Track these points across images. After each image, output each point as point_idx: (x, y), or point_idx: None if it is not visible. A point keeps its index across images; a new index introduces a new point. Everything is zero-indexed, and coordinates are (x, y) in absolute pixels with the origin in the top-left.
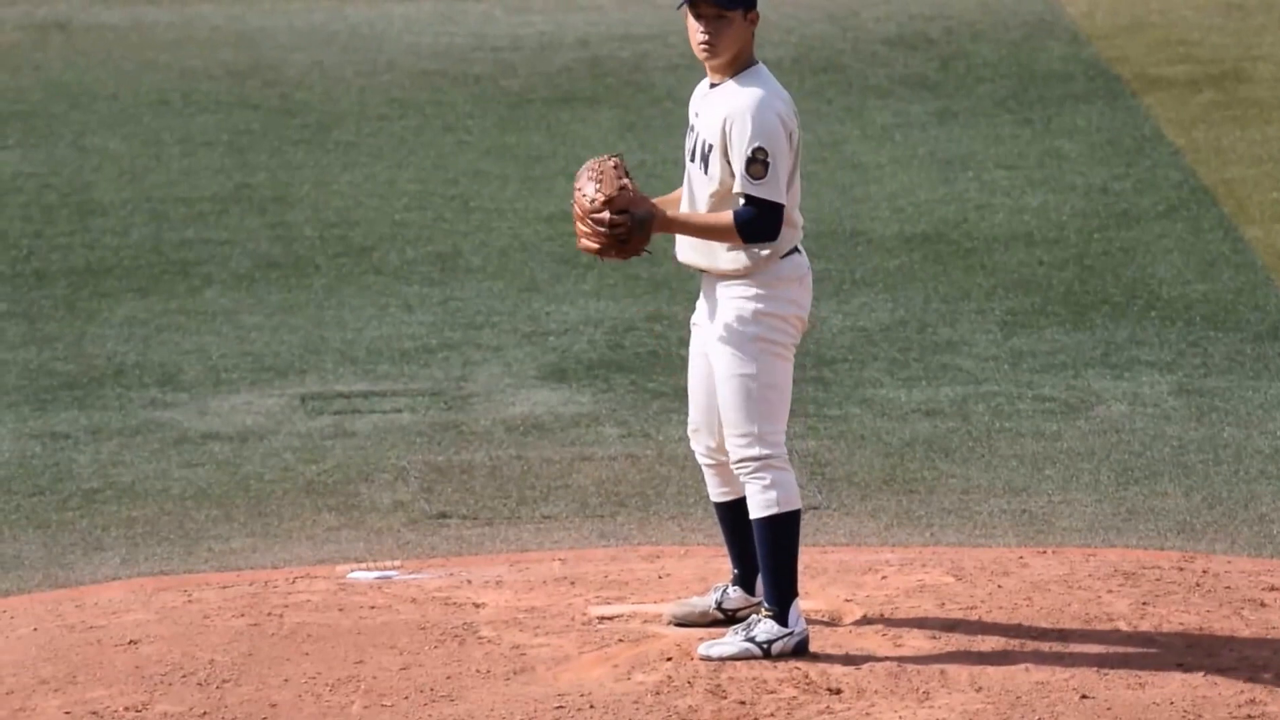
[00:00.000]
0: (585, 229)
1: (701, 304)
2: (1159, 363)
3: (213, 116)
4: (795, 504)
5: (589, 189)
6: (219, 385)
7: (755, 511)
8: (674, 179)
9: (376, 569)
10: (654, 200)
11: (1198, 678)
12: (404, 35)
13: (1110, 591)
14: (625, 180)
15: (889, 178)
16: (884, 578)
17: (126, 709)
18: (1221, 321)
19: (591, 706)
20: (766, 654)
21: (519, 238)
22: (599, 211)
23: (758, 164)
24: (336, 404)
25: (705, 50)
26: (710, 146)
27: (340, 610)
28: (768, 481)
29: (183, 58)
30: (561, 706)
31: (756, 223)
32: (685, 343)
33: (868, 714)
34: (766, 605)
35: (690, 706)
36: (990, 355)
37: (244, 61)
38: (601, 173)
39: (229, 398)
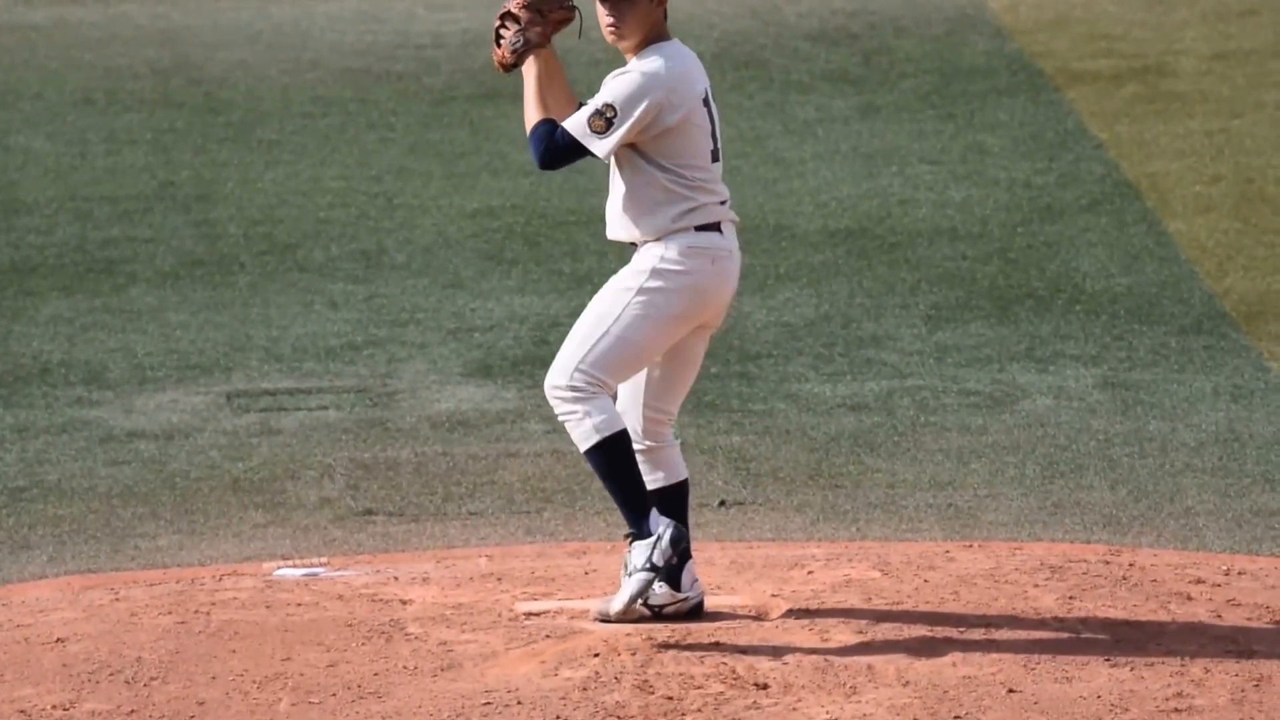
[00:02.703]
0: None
1: None
2: (1084, 356)
3: (137, 115)
4: (617, 426)
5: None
6: (145, 383)
7: (579, 445)
8: (597, 174)
9: (303, 566)
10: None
11: (1125, 671)
12: (327, 33)
13: (1037, 585)
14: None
15: (812, 173)
16: (810, 573)
17: (54, 707)
18: (1146, 315)
19: (519, 703)
20: (656, 569)
21: (443, 234)
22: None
23: (601, 119)
24: (262, 401)
25: (612, 33)
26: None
27: (267, 607)
28: (580, 413)
29: (107, 56)
30: (489, 703)
31: (548, 141)
32: None
33: (795, 709)
34: (627, 533)
35: (618, 702)
36: (915, 350)
37: (168, 60)
38: None
39: (155, 396)
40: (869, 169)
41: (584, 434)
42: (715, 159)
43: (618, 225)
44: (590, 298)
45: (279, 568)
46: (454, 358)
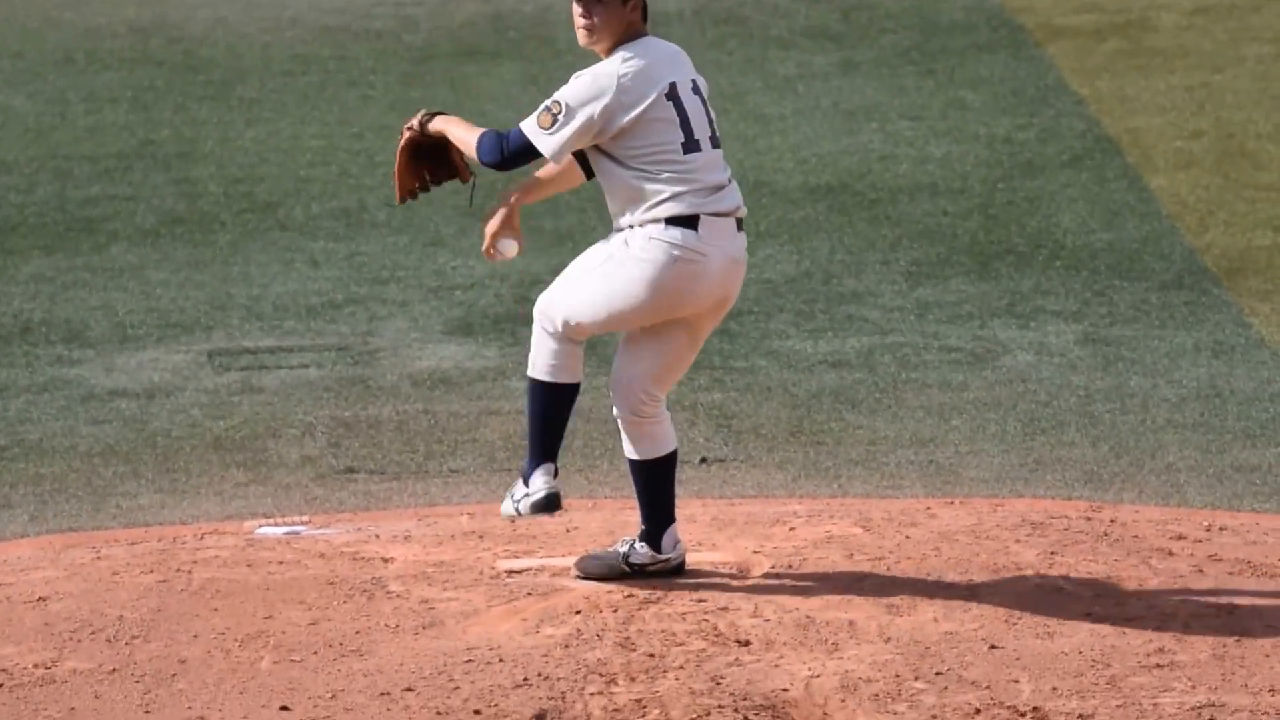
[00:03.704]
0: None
1: None
2: (1064, 312)
3: (117, 74)
4: (566, 379)
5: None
6: (125, 342)
7: (529, 368)
8: None
9: (284, 524)
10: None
11: (1106, 627)
12: None
13: (1018, 541)
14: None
15: (792, 129)
16: (792, 529)
17: (36, 666)
18: (1127, 270)
19: (500, 660)
20: (519, 513)
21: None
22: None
23: (548, 114)
24: (243, 360)
25: (584, 34)
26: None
27: (249, 566)
28: (543, 348)
29: (87, 15)
30: (471, 661)
31: (500, 141)
32: None
33: (777, 665)
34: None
35: (599, 659)
36: (896, 306)
37: (148, 18)
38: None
39: (136, 354)
40: (849, 125)
41: (537, 364)
42: (691, 149)
43: (614, 220)
44: (571, 256)
45: (260, 526)
46: (435, 315)
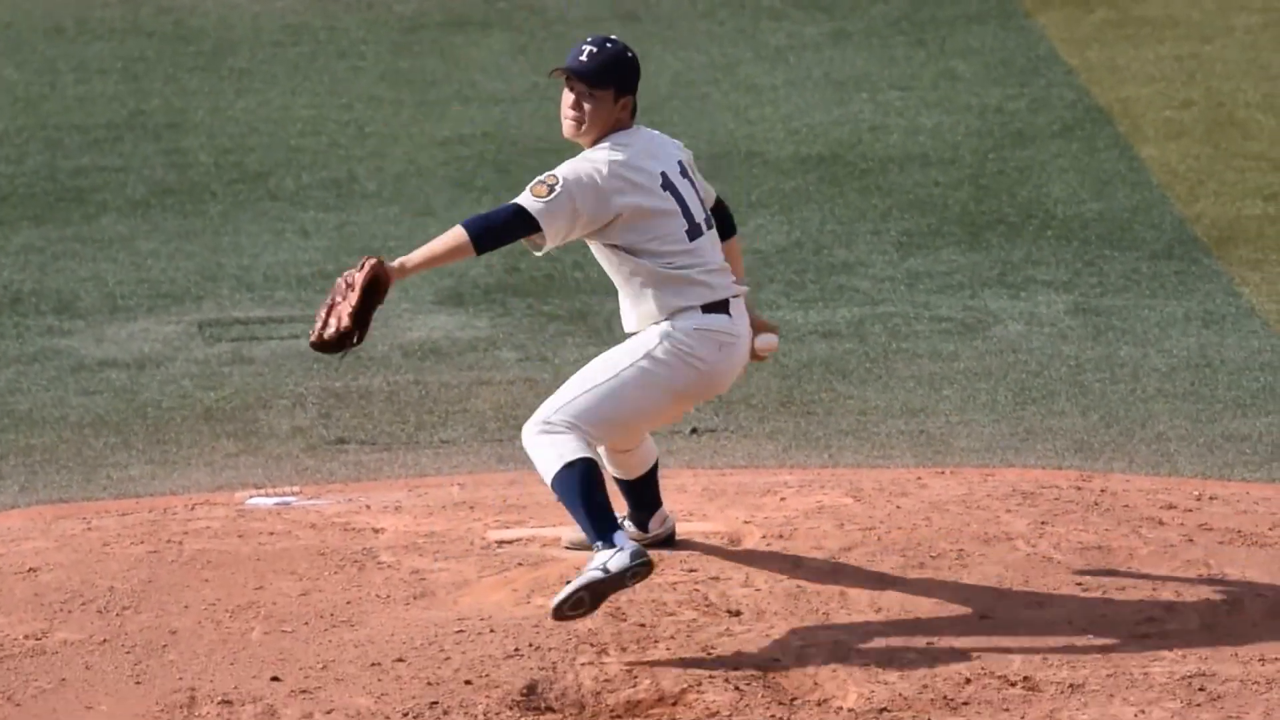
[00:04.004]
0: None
1: None
2: (1055, 282)
3: (107, 44)
4: (583, 454)
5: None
6: (116, 312)
7: (544, 478)
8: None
9: (275, 495)
10: None
11: (1096, 596)
12: None
13: (1009, 511)
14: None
15: (783, 99)
16: (782, 499)
17: (26, 636)
18: (1117, 240)
19: (492, 630)
20: (608, 573)
21: (414, 162)
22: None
23: (543, 185)
24: (234, 330)
25: (572, 125)
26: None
27: (239, 536)
28: (545, 445)
29: None
30: (462, 631)
31: (492, 216)
32: (580, 266)
33: (767, 635)
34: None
35: (590, 630)
36: (886, 276)
37: None
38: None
39: (126, 325)
40: (840, 95)
41: (547, 463)
42: (695, 235)
43: (625, 319)
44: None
45: (251, 497)
46: (426, 286)
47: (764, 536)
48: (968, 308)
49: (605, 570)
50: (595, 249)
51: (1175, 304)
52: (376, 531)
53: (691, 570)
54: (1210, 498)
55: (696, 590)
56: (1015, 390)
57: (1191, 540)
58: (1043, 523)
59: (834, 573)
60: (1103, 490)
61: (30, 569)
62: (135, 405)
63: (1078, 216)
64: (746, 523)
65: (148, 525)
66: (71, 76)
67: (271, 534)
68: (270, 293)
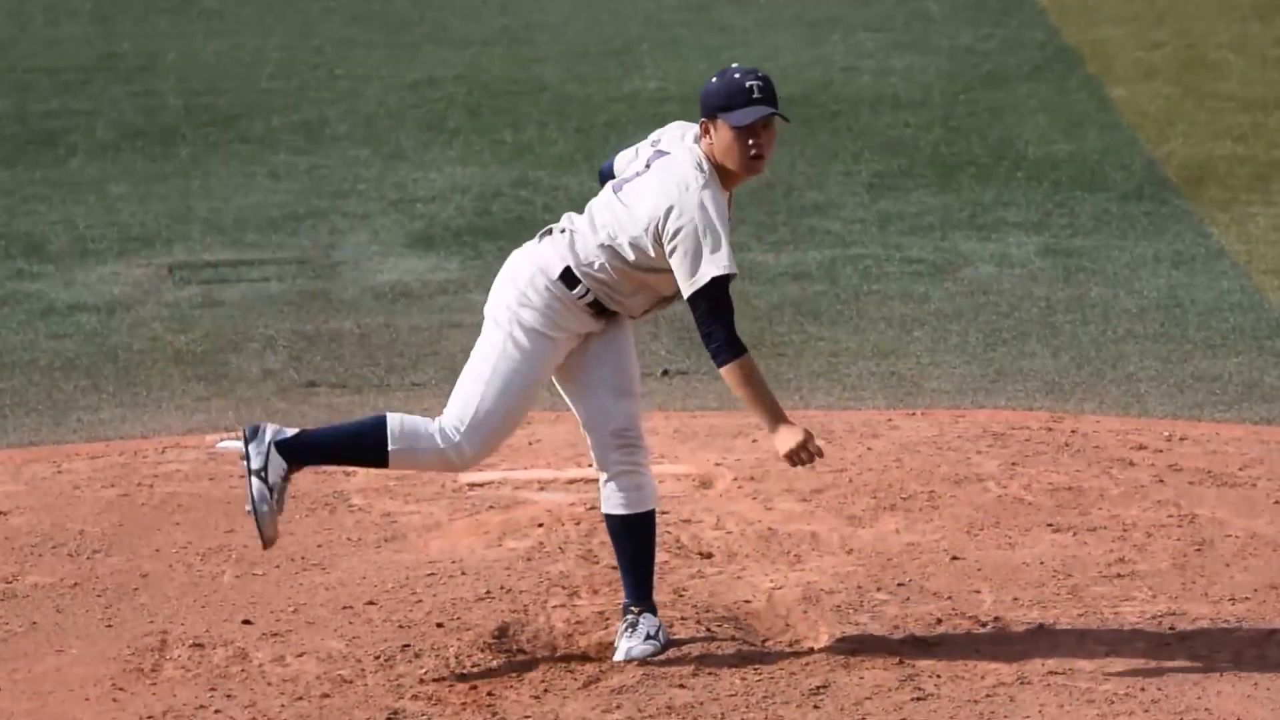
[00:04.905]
0: None
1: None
2: (1026, 223)
3: None
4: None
5: None
6: (86, 255)
7: (639, 505)
8: (539, 43)
9: None
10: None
11: (1067, 537)
12: None
13: (979, 452)
14: None
15: (756, 40)
16: (754, 441)
17: None
18: (1088, 181)
19: (463, 573)
20: (653, 639)
21: (385, 105)
22: None
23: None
24: (204, 273)
25: (760, 163)
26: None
27: (210, 480)
28: (647, 474)
29: None
30: (433, 574)
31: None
32: (550, 209)
33: (739, 577)
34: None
35: (562, 572)
36: (858, 218)
37: None
38: None
39: (96, 268)
40: (812, 36)
41: (655, 492)
42: None
43: (629, 304)
44: (531, 170)
45: (222, 440)
46: (396, 228)
47: (735, 479)
48: (938, 249)
49: (659, 641)
50: (617, 253)
51: (1145, 245)
52: (347, 474)
53: (663, 513)
54: (1180, 438)
55: (668, 533)
56: (986, 332)
57: (1162, 481)
58: (1013, 464)
59: (805, 515)
60: (1073, 431)
61: (0, 513)
62: (105, 348)
63: (1048, 158)
64: (718, 465)
65: (118, 469)
66: (41, 19)
67: (242, 477)
68: (240, 236)
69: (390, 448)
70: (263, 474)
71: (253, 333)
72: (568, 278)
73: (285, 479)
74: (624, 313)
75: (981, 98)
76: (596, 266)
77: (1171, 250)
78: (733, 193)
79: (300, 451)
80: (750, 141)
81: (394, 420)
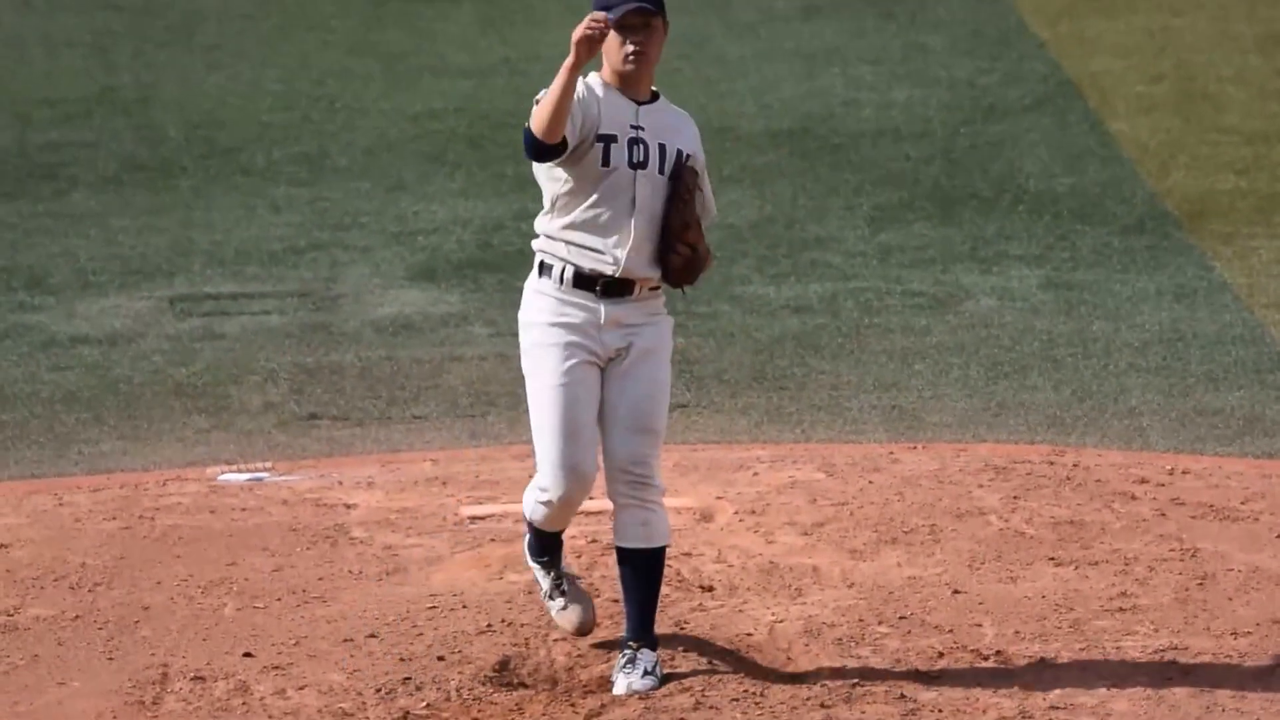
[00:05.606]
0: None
1: (606, 322)
2: (1027, 256)
3: (75, 17)
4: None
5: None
6: (87, 288)
7: (663, 539)
8: (535, 76)
9: (247, 471)
10: None
11: (1069, 571)
12: None
13: (981, 486)
14: None
15: (754, 73)
16: (755, 474)
17: None
18: (1089, 215)
19: (465, 606)
20: (655, 676)
21: (385, 137)
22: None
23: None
24: (205, 306)
25: (637, 61)
26: (688, 156)
27: (211, 512)
28: (659, 507)
29: None
30: (434, 607)
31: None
32: None
33: (740, 610)
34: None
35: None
36: (859, 251)
37: None
38: None
39: (97, 300)
40: (810, 69)
41: (665, 530)
42: None
43: (645, 264)
44: (532, 203)
45: (223, 472)
46: (397, 261)
47: (736, 512)
48: (939, 282)
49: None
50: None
51: (1147, 278)
52: (349, 507)
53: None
54: (1182, 472)
55: (669, 565)
56: (987, 365)
57: (1164, 515)
58: (1015, 497)
59: (807, 548)
60: (1075, 465)
61: (1, 545)
62: (107, 381)
63: (1049, 191)
64: (719, 498)
65: (120, 501)
66: (40, 50)
67: (244, 510)
68: (241, 268)
69: (528, 518)
70: (543, 593)
71: (254, 365)
72: (542, 268)
73: (553, 575)
74: (606, 267)
75: (982, 131)
76: (550, 231)
77: (1173, 284)
78: (642, 105)
79: (533, 549)
80: (626, 39)
81: (525, 497)
